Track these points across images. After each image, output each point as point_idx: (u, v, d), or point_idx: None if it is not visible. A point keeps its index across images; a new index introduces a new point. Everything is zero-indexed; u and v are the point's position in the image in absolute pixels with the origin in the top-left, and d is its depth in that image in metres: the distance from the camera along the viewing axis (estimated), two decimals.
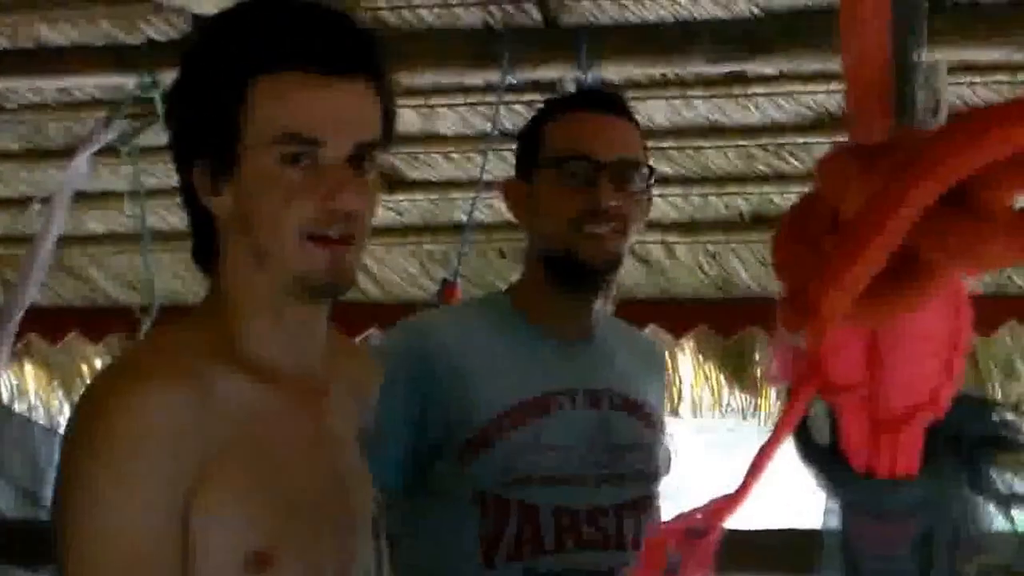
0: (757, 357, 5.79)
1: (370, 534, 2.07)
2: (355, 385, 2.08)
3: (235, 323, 1.88)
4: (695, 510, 1.62)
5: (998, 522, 1.75)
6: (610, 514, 2.59)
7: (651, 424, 2.75)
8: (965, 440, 1.67)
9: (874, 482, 1.58)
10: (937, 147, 1.26)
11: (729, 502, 1.61)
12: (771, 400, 5.85)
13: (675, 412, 5.89)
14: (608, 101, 2.75)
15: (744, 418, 6.11)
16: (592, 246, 2.59)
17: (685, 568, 1.61)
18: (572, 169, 2.61)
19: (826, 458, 1.63)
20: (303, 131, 1.82)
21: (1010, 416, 1.72)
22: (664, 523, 1.67)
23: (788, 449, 1.70)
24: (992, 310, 5.27)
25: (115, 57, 5.00)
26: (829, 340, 1.49)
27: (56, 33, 5.12)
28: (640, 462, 2.68)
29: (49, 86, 5.39)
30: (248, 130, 1.82)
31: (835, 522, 1.70)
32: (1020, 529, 1.75)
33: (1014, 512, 1.74)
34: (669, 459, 2.79)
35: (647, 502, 2.67)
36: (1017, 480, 1.72)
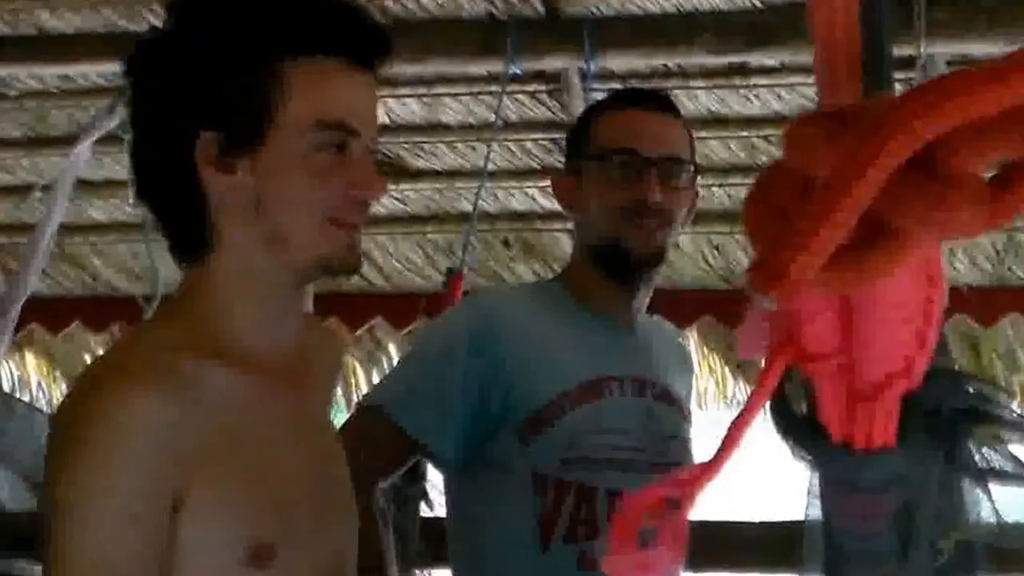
0: None
1: (357, 519, 2.06)
2: (325, 362, 2.09)
3: (219, 311, 1.86)
4: (670, 478, 1.62)
5: (975, 497, 1.75)
6: None
7: (685, 418, 2.80)
8: (943, 414, 1.67)
9: (851, 454, 1.57)
10: (903, 111, 1.26)
11: (705, 471, 1.61)
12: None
13: None
14: (656, 99, 2.81)
15: None
16: (638, 237, 2.65)
17: (660, 537, 1.61)
18: (619, 162, 2.67)
19: (803, 430, 1.63)
20: (347, 120, 1.84)
21: (986, 389, 1.72)
22: (639, 490, 1.67)
23: (767, 442, 1.71)
24: (994, 301, 5.30)
25: (117, 44, 4.95)
26: (803, 308, 1.50)
27: (58, 20, 5.11)
28: (680, 453, 2.73)
29: (51, 73, 5.37)
30: (283, 111, 1.81)
31: (817, 514, 1.70)
32: (997, 505, 1.75)
33: (991, 487, 1.73)
34: None
35: None
36: (994, 454, 1.71)
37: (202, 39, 1.84)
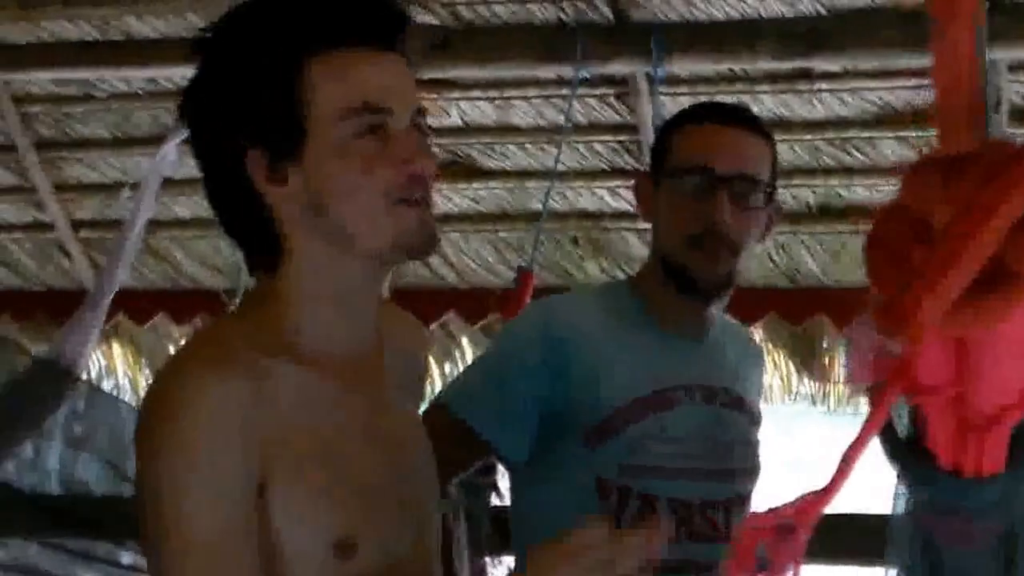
0: (825, 345, 5.85)
1: (436, 513, 2.09)
2: (405, 350, 2.09)
3: (292, 317, 1.88)
4: (785, 506, 1.68)
5: None
6: (719, 508, 2.63)
7: (753, 421, 2.79)
8: None
9: (960, 480, 1.60)
10: None
11: (818, 499, 1.66)
12: (839, 387, 5.92)
13: None
14: (736, 114, 2.76)
15: (813, 404, 6.17)
16: (704, 266, 2.62)
17: (775, 563, 1.68)
18: (692, 181, 2.64)
19: (911, 455, 1.69)
20: (374, 101, 1.84)
21: None
22: (755, 518, 1.74)
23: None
24: None
25: None
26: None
27: (144, 25, 5.24)
28: (746, 458, 2.74)
29: (137, 76, 5.50)
30: (312, 110, 1.82)
31: (903, 507, 1.75)
32: None
33: None
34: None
35: (751, 497, 2.72)
36: None
37: (228, 62, 1.86)
